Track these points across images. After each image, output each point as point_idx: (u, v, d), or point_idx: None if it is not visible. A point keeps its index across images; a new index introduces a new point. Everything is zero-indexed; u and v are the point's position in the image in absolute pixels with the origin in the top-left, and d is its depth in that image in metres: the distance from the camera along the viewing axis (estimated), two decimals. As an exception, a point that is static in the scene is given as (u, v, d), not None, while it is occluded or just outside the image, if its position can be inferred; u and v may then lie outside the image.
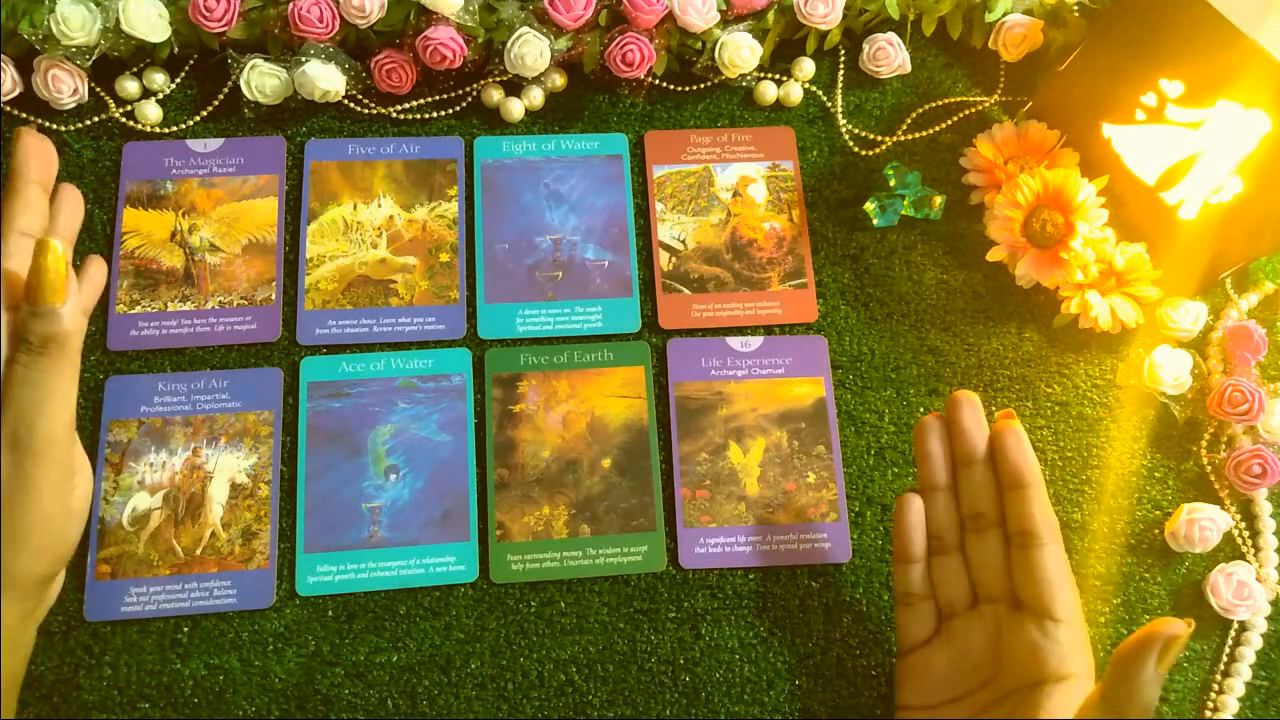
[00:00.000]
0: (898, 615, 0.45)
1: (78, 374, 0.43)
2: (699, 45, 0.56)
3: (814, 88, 0.58)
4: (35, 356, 0.41)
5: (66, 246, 0.49)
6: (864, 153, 0.57)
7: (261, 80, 0.53)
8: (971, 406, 0.44)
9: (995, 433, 0.43)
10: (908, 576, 0.45)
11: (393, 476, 0.49)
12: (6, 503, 0.40)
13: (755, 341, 0.53)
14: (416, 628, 0.48)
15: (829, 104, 0.58)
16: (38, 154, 0.47)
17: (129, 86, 0.54)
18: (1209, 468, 0.52)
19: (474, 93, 0.57)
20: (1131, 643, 0.35)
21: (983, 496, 0.43)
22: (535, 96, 0.56)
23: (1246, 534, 0.51)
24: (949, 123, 0.58)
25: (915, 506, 0.44)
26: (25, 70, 0.53)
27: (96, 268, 0.50)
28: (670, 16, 0.54)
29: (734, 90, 0.58)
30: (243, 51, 0.53)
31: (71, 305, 0.42)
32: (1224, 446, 0.52)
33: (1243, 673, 0.49)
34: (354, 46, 0.55)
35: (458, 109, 0.56)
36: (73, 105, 0.54)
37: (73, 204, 0.50)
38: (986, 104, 0.58)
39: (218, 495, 0.48)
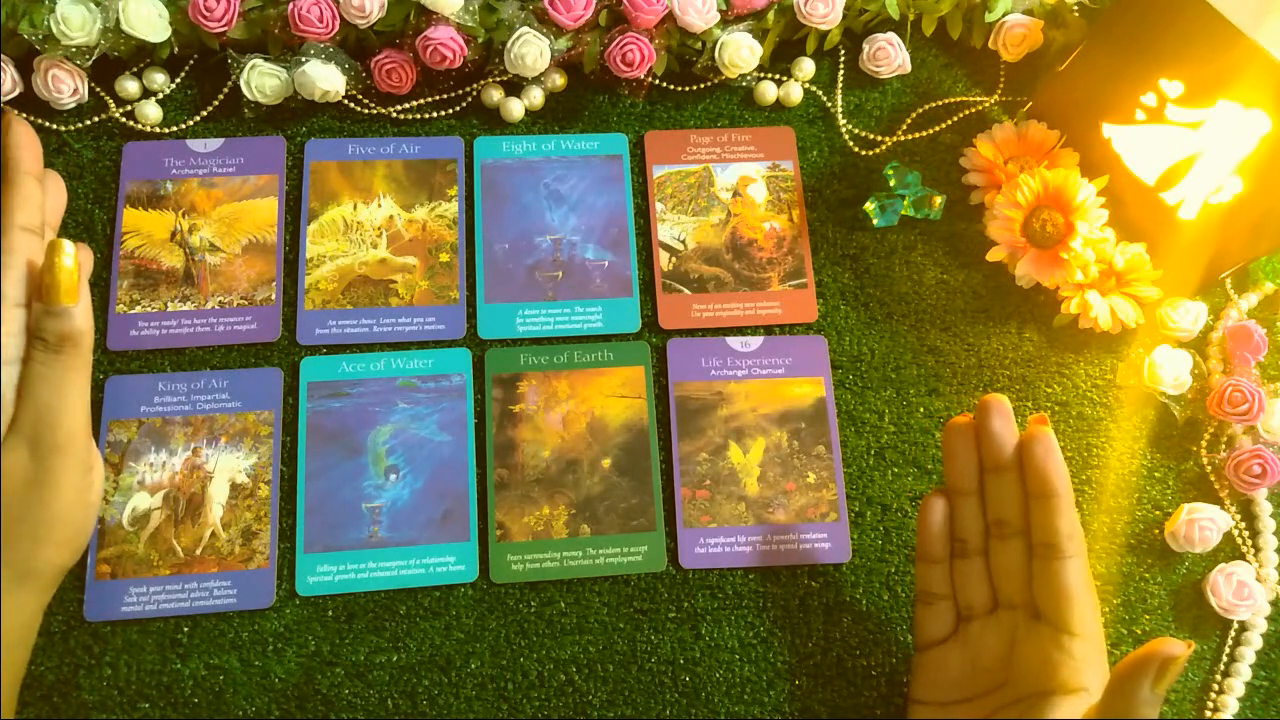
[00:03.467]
0: (916, 611, 0.45)
1: (90, 371, 0.44)
2: (699, 45, 0.56)
3: (814, 88, 0.58)
4: (53, 355, 0.42)
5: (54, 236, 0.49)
6: (864, 153, 0.57)
7: (261, 80, 0.53)
8: (1001, 413, 0.42)
9: (1025, 439, 0.42)
10: (929, 575, 0.44)
11: (393, 476, 0.49)
12: (32, 498, 0.41)
13: (755, 341, 0.53)
14: (416, 628, 0.48)
15: (829, 104, 0.58)
16: (29, 145, 0.47)
17: (129, 86, 0.54)
18: (1209, 468, 0.52)
19: (474, 93, 0.57)
20: (1129, 661, 0.35)
21: (1008, 504, 0.42)
22: (535, 96, 0.56)
23: (1246, 534, 0.51)
24: (949, 123, 0.58)
25: (939, 508, 0.44)
26: (25, 70, 0.53)
27: (84, 257, 0.50)
28: (670, 16, 0.54)
29: (734, 90, 0.58)
30: (243, 51, 0.53)
31: (84, 304, 0.42)
32: (1224, 446, 0.52)
33: (1243, 673, 0.49)
34: (354, 46, 0.55)
35: (458, 109, 0.56)
36: (73, 105, 0.54)
37: (56, 191, 0.50)
38: (986, 104, 0.58)
39: (218, 495, 0.48)
